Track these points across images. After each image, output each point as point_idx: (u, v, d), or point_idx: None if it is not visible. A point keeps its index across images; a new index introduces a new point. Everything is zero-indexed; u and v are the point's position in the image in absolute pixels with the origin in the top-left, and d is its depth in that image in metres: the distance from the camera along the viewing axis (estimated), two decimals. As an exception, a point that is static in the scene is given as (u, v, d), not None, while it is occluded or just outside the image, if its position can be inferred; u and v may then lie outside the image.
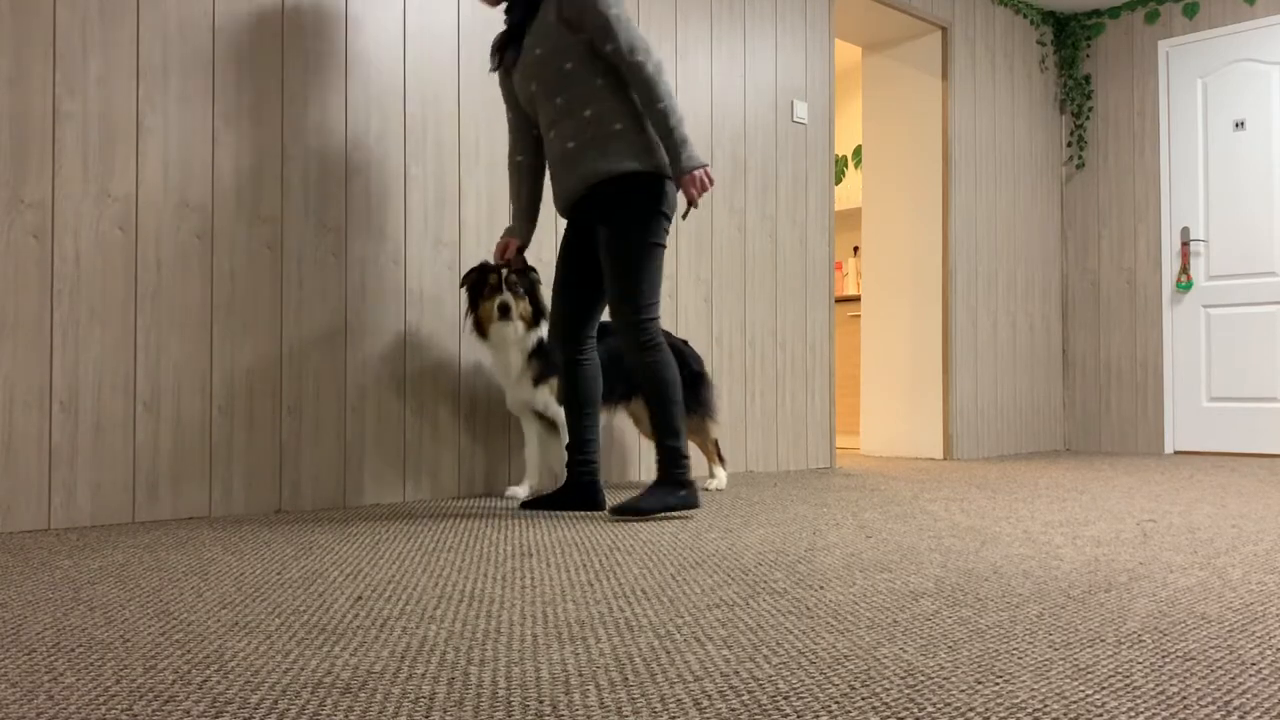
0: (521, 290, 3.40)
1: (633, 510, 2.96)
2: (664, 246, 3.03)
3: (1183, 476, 4.41)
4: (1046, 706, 1.25)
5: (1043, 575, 2.13)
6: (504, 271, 3.35)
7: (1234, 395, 5.76)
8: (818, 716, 1.22)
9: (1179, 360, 5.97)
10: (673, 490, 3.01)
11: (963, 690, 1.32)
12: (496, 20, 3.77)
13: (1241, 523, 2.93)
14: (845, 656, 1.48)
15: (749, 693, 1.31)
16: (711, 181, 2.94)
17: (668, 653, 1.51)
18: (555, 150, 3.08)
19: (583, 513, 3.17)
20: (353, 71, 3.42)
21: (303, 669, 1.42)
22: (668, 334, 3.54)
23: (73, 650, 1.51)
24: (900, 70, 5.83)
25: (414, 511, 3.22)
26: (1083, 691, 1.32)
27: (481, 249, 3.71)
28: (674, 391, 3.01)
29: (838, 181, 7.50)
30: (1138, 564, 2.26)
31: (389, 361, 3.48)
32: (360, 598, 1.89)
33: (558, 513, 3.16)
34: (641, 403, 3.48)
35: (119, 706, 1.25)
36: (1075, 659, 1.47)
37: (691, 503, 3.02)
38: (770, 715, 1.22)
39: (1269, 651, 1.52)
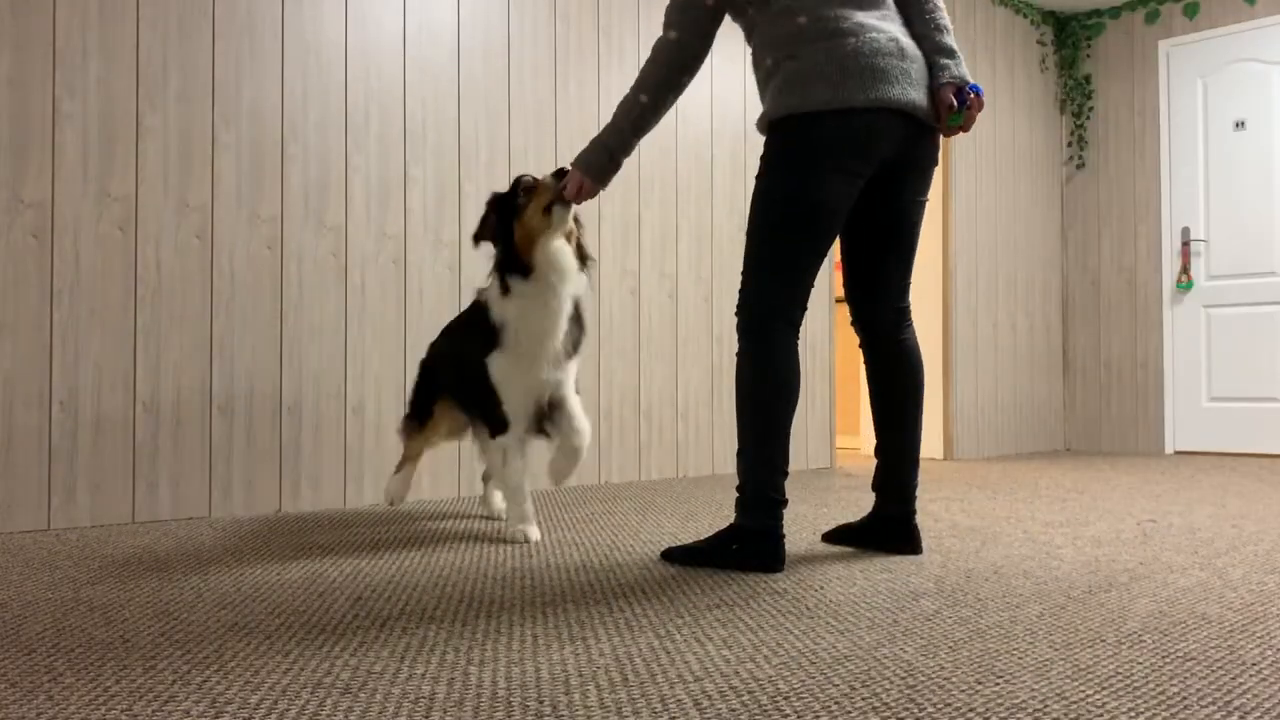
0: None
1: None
2: None
3: (1183, 477, 4.41)
4: (1047, 707, 1.25)
5: (1043, 575, 2.12)
6: (551, 179, 2.53)
7: (1234, 395, 5.76)
8: (818, 717, 1.22)
9: (1179, 360, 5.97)
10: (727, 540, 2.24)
11: (963, 690, 1.32)
12: (496, 20, 3.77)
13: (1242, 523, 2.92)
14: (845, 657, 1.48)
15: (749, 693, 1.31)
16: None
17: (668, 653, 1.51)
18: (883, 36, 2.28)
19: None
20: (353, 70, 3.42)
21: (303, 669, 1.41)
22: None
23: (73, 650, 1.51)
24: (900, 70, 5.82)
25: (414, 512, 3.21)
26: (1083, 692, 1.32)
27: (482, 249, 3.70)
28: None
29: (838, 181, 7.49)
30: (1138, 564, 2.26)
31: (389, 362, 3.48)
32: (360, 598, 1.89)
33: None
34: None
35: (119, 706, 1.25)
36: (1076, 659, 1.47)
37: (748, 563, 2.19)
38: (770, 716, 1.22)
39: (1269, 652, 1.52)
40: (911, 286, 2.60)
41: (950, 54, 2.31)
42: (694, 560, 2.24)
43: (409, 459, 3.04)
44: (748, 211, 2.31)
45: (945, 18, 2.36)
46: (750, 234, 2.30)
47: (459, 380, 2.81)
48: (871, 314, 2.44)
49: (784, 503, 2.21)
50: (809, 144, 2.22)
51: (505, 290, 2.56)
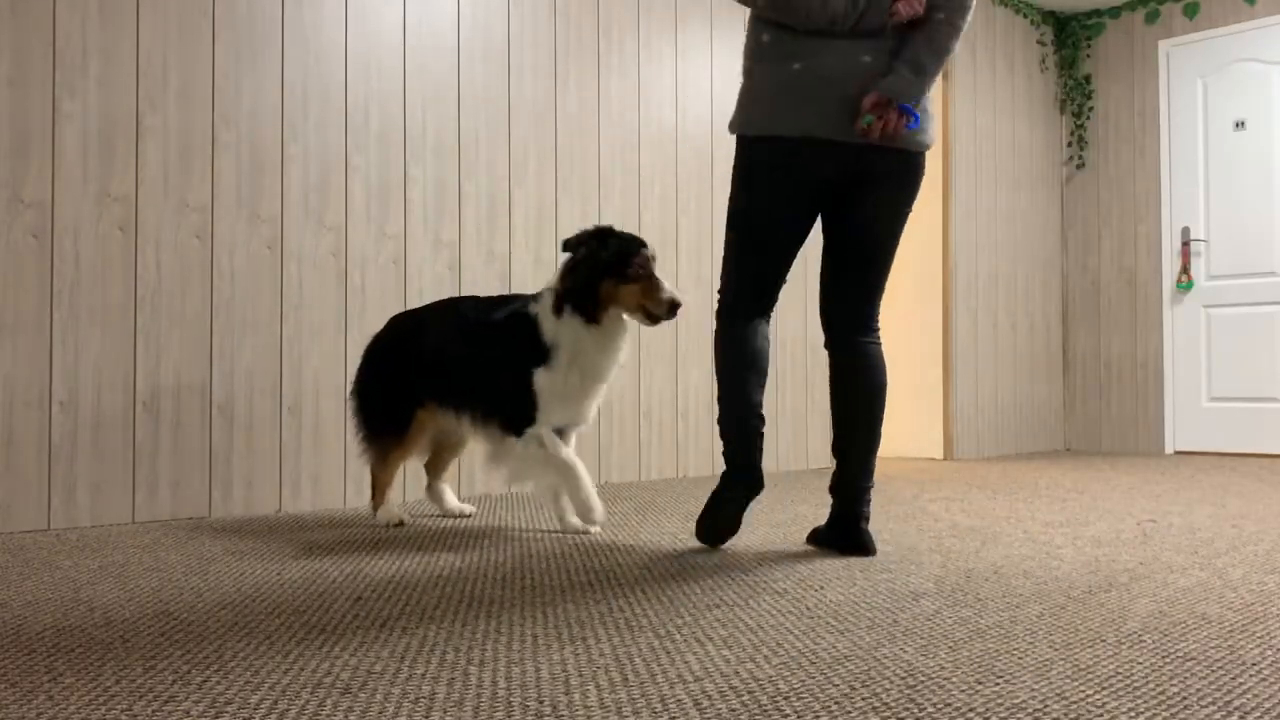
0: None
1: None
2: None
3: (1183, 477, 4.41)
4: (1047, 707, 1.25)
5: (1043, 575, 2.13)
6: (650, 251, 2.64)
7: (1234, 395, 5.76)
8: (818, 717, 1.22)
9: (1179, 360, 5.96)
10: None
11: (963, 690, 1.32)
12: (496, 20, 3.77)
13: (1242, 523, 2.92)
14: (846, 657, 1.48)
15: (749, 693, 1.31)
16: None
17: (668, 653, 1.51)
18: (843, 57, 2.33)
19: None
20: (352, 70, 3.42)
21: (303, 669, 1.41)
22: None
23: (73, 650, 1.51)
24: (900, 70, 5.83)
25: (413, 512, 3.21)
26: (1083, 692, 1.32)
27: (482, 249, 3.71)
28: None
29: (838, 181, 7.48)
30: (1138, 564, 2.26)
31: (389, 361, 3.47)
32: (360, 598, 1.89)
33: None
34: None
35: (119, 706, 1.25)
36: (1076, 659, 1.47)
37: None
38: (770, 716, 1.22)
39: (1269, 652, 1.52)
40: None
41: (912, 67, 2.26)
42: (712, 509, 2.43)
43: (383, 487, 2.89)
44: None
45: (947, 39, 2.29)
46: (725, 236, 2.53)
47: (467, 384, 2.72)
48: (837, 317, 2.51)
49: (748, 451, 2.40)
50: (748, 164, 2.41)
51: (559, 313, 2.63)
